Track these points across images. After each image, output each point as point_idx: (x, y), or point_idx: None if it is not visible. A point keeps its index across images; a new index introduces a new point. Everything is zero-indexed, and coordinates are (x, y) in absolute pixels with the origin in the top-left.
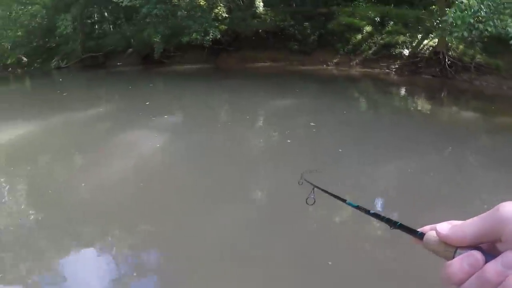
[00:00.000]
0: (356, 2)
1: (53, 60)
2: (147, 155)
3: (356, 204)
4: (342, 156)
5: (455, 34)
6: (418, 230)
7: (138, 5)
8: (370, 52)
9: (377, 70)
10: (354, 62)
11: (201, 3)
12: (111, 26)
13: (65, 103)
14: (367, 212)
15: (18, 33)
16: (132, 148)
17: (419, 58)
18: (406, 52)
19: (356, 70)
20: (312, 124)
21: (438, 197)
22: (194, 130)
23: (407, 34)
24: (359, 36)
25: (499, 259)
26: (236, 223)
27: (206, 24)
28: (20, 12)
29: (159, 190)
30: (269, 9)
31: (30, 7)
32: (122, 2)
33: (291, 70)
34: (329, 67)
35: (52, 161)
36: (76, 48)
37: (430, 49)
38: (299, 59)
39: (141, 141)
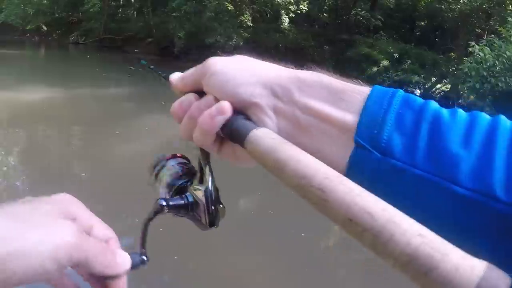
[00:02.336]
0: (378, 35)
1: (72, 35)
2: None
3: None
4: None
5: (468, 84)
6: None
7: None
8: (384, 86)
9: None
10: None
11: (229, 7)
12: (135, 12)
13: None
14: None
15: (44, 1)
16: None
17: None
18: (418, 92)
19: None
20: None
21: None
22: None
23: (422, 75)
24: (375, 69)
25: (202, 100)
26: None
27: (231, 30)
28: None
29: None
30: (293, 26)
31: None
32: None
33: None
34: None
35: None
36: (97, 27)
37: (442, 93)
38: None
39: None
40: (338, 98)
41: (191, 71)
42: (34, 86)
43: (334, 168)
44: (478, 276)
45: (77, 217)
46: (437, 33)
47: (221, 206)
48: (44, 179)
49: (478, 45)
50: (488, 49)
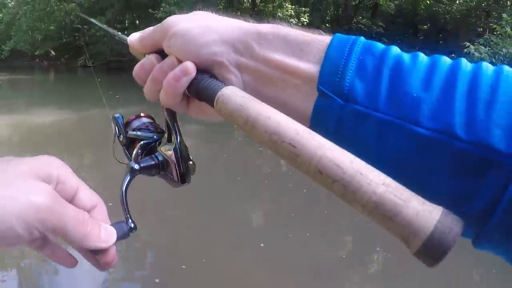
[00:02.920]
0: (381, 41)
1: (80, 58)
2: None
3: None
4: None
5: None
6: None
7: None
8: None
9: None
10: None
11: None
12: None
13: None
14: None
15: (51, 27)
16: None
17: None
18: None
19: None
20: None
21: None
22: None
23: None
24: None
25: (164, 62)
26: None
27: None
28: (56, 7)
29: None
30: None
31: (66, 4)
32: (157, 13)
33: None
34: None
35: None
36: (104, 50)
37: None
38: None
39: None
40: (299, 49)
41: (150, 31)
42: (46, 109)
43: (300, 118)
44: (435, 219)
45: (59, 181)
46: (440, 35)
47: (191, 163)
48: None
49: (474, 45)
50: (484, 48)
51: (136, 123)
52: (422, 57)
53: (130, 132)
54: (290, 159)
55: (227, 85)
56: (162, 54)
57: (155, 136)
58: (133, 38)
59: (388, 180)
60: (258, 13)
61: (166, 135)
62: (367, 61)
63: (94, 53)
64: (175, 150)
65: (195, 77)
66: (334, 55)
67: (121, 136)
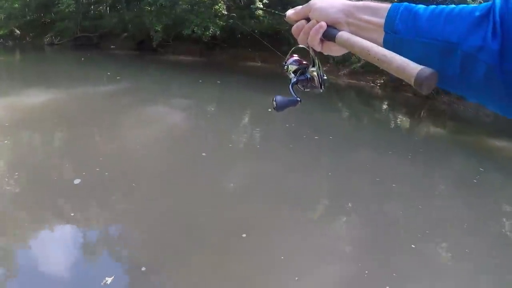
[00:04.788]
0: None
1: (47, 36)
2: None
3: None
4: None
5: None
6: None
7: None
8: (359, 65)
9: (362, 83)
10: (342, 73)
11: None
12: (107, 8)
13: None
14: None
15: (15, 5)
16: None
17: None
18: None
19: (343, 81)
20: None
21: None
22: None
23: None
24: None
25: (310, 23)
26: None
27: (208, 20)
28: None
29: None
30: (266, 14)
31: None
32: None
33: (280, 73)
34: None
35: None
36: (72, 26)
37: None
38: None
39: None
40: (376, 11)
41: (299, 8)
42: (19, 90)
43: (377, 44)
44: (420, 67)
45: None
46: None
47: (325, 78)
48: (52, 179)
49: None
50: None
51: (290, 60)
52: (431, 6)
53: (289, 66)
54: (373, 61)
55: (341, 31)
56: (307, 20)
57: (302, 65)
58: (289, 12)
59: (402, 58)
60: None
61: (311, 64)
62: (404, 13)
63: (62, 30)
64: (317, 71)
65: (326, 29)
66: (391, 13)
67: (286, 67)
